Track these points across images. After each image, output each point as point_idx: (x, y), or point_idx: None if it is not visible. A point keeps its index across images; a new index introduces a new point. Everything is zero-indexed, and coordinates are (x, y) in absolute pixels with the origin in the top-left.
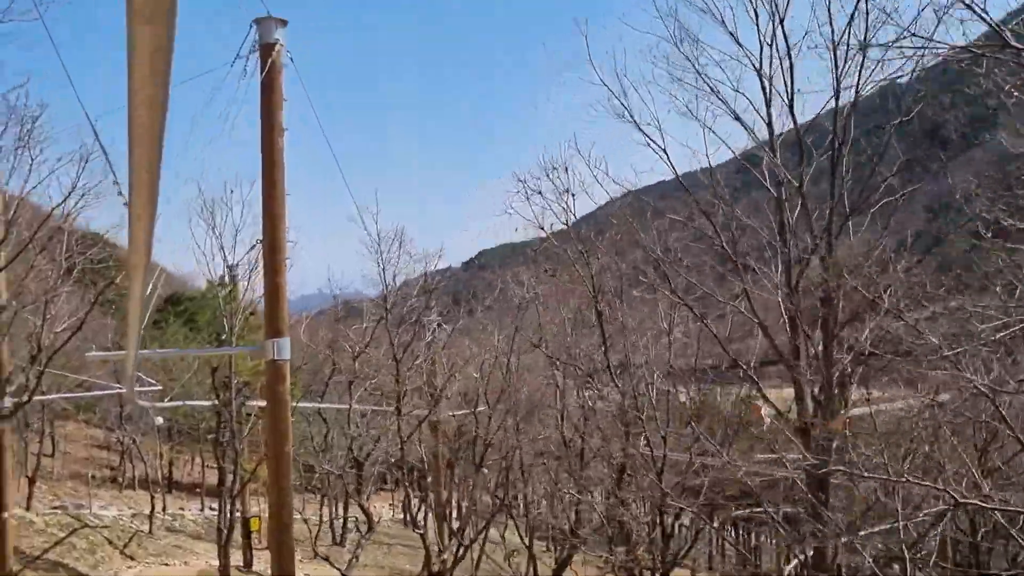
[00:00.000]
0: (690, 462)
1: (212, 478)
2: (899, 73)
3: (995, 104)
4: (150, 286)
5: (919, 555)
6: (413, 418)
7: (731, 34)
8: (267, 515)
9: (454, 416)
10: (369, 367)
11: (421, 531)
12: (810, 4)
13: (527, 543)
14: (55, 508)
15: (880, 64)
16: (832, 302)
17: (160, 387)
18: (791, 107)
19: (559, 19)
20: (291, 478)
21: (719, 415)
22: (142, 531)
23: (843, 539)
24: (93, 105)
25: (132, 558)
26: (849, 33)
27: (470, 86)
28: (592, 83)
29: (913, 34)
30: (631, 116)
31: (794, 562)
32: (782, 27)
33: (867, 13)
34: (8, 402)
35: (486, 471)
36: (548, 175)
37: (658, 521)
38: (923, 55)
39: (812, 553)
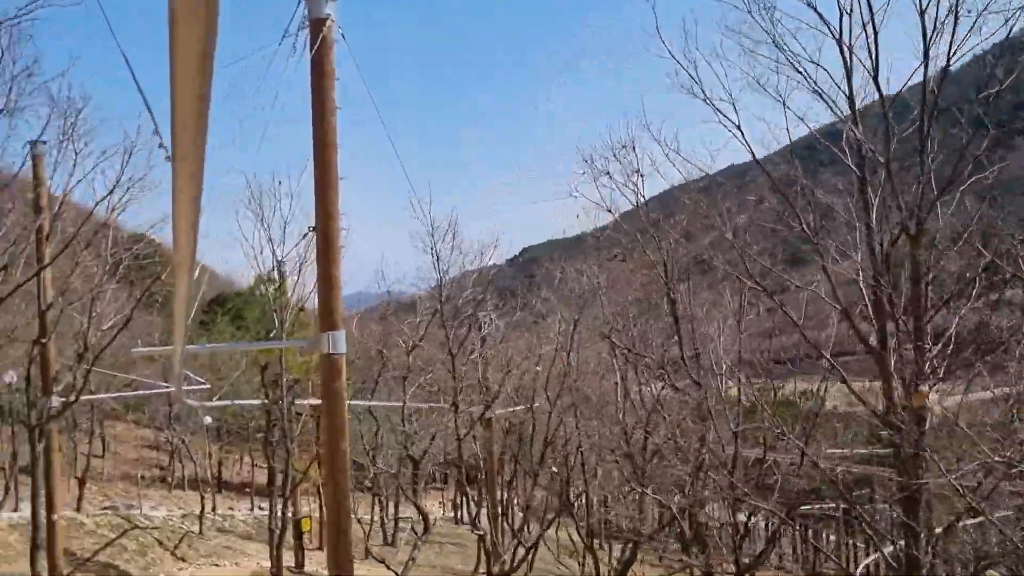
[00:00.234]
0: (763, 458)
1: (261, 477)
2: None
3: None
4: (196, 283)
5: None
6: (468, 415)
7: (807, 2)
8: (319, 515)
9: (512, 412)
10: (422, 362)
11: (481, 532)
12: None
13: (587, 543)
14: (105, 509)
15: (972, 29)
16: (921, 285)
17: (208, 386)
18: (875, 78)
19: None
20: (348, 476)
21: (791, 408)
22: (192, 532)
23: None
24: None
25: (183, 559)
26: None
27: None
28: (660, 56)
29: None
30: (702, 92)
31: (871, 557)
32: None
33: None
34: (56, 401)
35: (553, 468)
36: (615, 155)
37: (734, 520)
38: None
39: (904, 553)
